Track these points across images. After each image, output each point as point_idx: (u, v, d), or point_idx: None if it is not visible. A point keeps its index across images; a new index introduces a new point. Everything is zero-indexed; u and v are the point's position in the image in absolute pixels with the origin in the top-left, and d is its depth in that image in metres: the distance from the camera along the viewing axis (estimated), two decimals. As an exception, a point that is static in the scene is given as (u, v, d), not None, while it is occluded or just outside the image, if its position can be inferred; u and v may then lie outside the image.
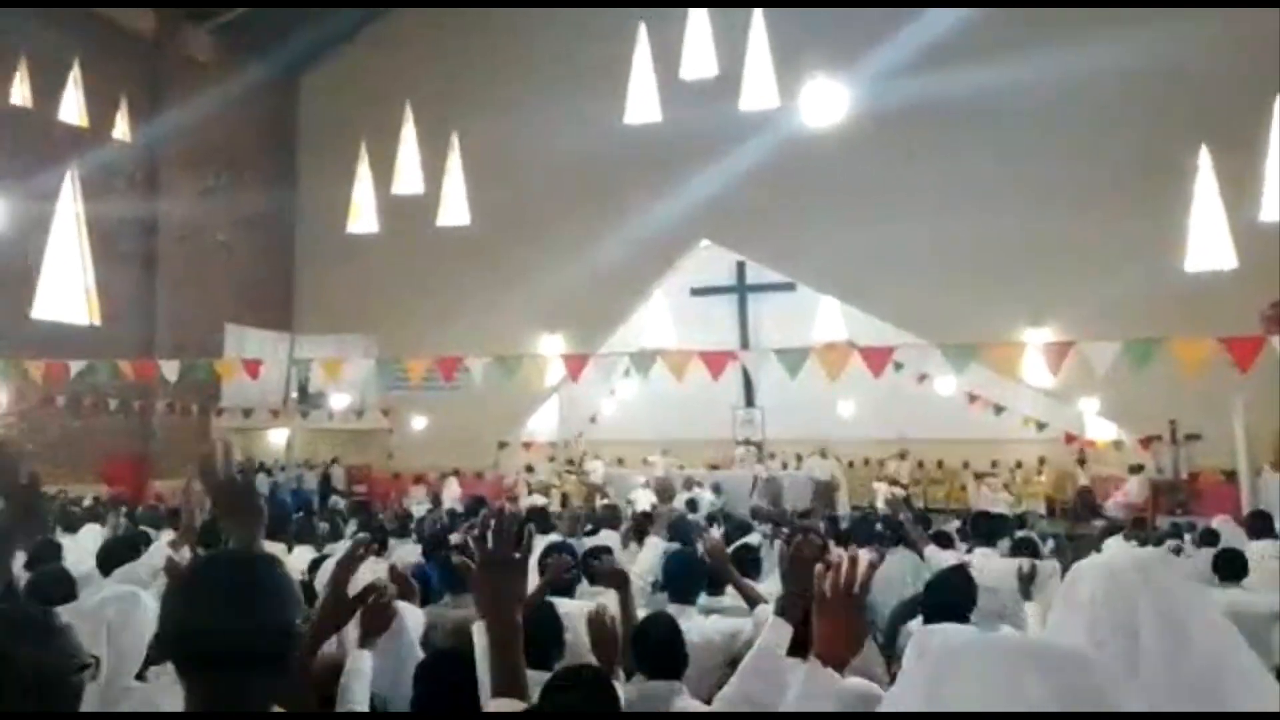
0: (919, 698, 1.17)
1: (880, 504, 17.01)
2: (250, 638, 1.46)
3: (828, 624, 1.91)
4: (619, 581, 3.73)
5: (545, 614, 3.12)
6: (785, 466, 21.38)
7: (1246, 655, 1.41)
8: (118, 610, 2.59)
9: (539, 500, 16.83)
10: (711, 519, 11.30)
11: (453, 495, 17.82)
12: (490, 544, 2.01)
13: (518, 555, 2.03)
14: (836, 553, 2.17)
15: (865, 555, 1.94)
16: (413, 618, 3.46)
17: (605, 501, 14.46)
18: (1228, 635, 1.42)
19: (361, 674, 2.60)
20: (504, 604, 1.99)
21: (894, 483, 19.65)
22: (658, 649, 3.01)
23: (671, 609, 3.65)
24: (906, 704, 1.20)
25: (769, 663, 2.30)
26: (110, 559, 4.75)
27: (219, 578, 1.54)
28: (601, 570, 3.90)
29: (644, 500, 15.16)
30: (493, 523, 2.05)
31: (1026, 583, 4.41)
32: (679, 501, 14.99)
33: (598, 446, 23.47)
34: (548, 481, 21.01)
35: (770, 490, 18.87)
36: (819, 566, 1.97)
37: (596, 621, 2.97)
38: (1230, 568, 5.97)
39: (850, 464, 21.43)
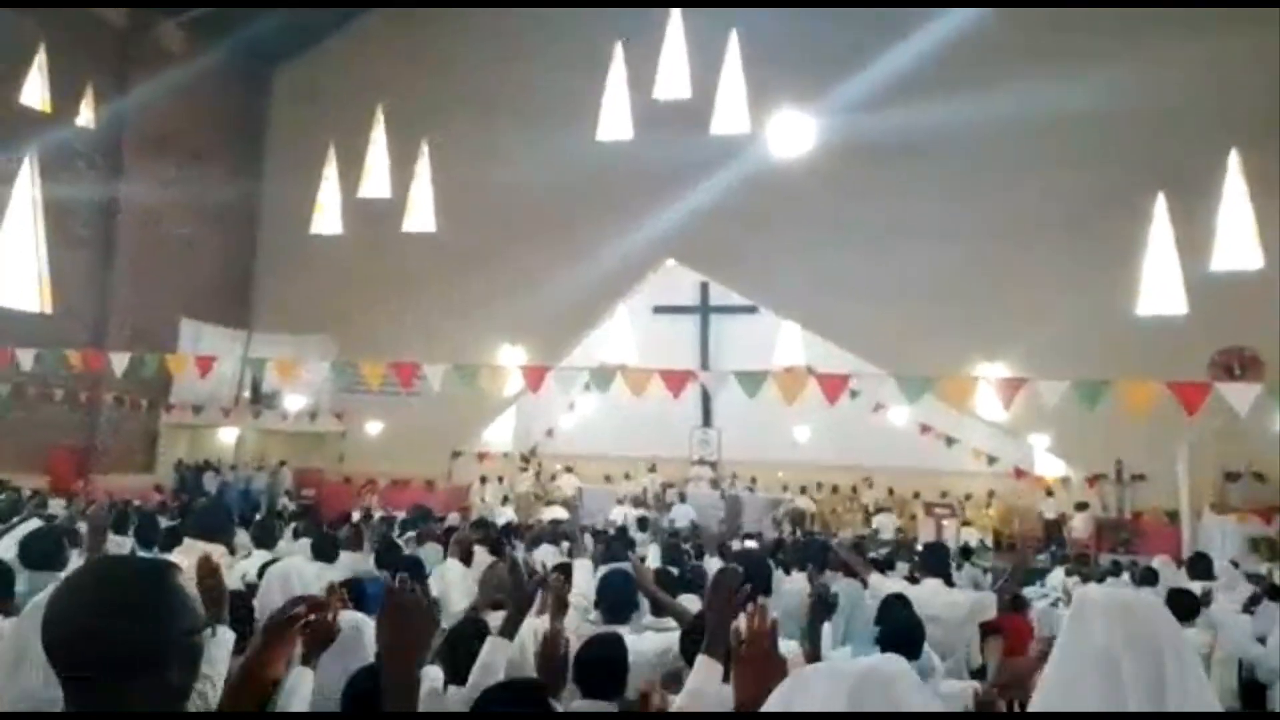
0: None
1: (888, 535, 17.18)
2: (113, 646, 1.43)
3: (747, 675, 1.96)
4: (558, 605, 3.73)
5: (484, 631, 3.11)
6: (748, 489, 21.52)
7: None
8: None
9: (506, 514, 16.82)
10: (685, 537, 11.36)
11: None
12: (397, 593, 2.04)
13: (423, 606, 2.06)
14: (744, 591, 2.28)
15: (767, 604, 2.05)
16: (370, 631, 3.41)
17: (564, 518, 14.39)
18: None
19: (298, 693, 2.55)
20: (403, 652, 2.01)
21: (880, 509, 19.79)
22: (597, 668, 3.01)
23: (603, 629, 3.66)
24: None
25: (699, 702, 2.33)
26: (31, 550, 4.56)
27: (90, 586, 1.51)
28: (534, 581, 3.89)
29: (625, 517, 15.19)
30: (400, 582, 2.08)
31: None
32: (629, 518, 15.05)
33: (554, 460, 23.41)
34: (514, 492, 21.02)
35: (731, 509, 19.02)
36: (735, 622, 2.05)
37: (551, 644, 2.95)
38: (1181, 609, 6.02)
39: (803, 489, 21.56)
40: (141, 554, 5.64)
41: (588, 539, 7.79)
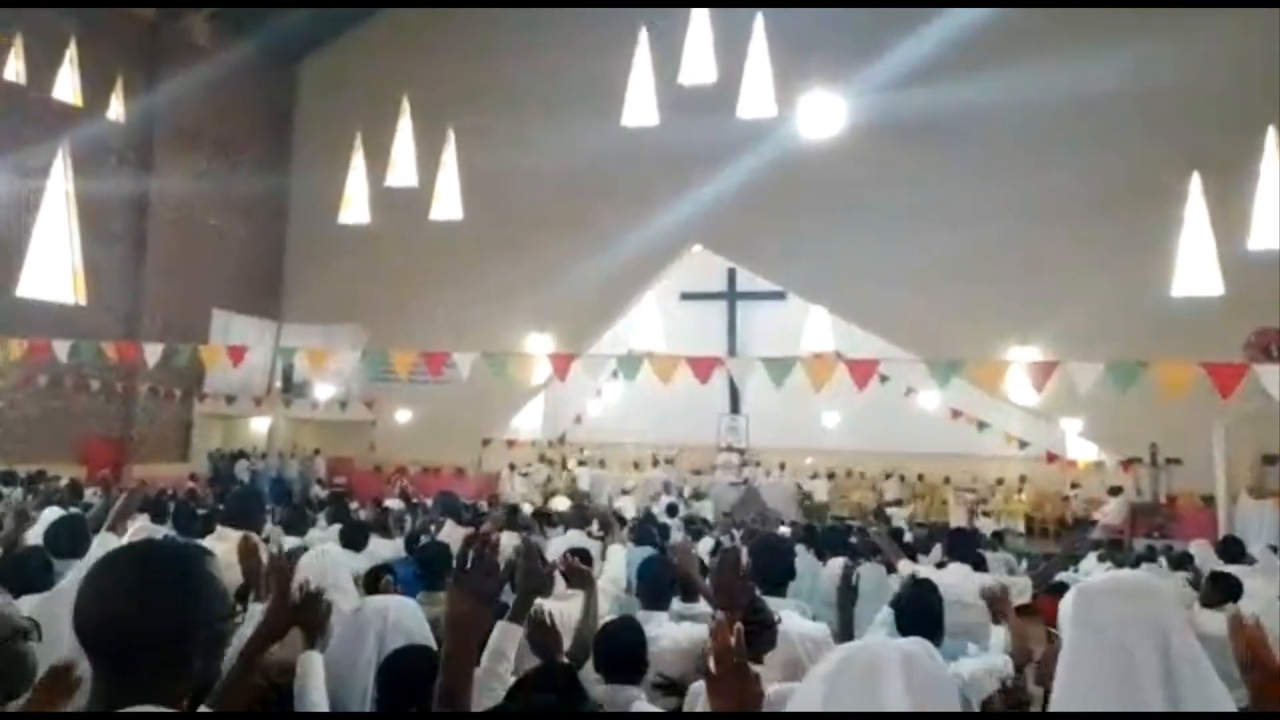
0: (817, 696, 1.43)
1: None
2: (143, 628, 1.43)
3: (720, 694, 1.89)
4: (584, 582, 3.76)
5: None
6: (769, 474, 21.45)
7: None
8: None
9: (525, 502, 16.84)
10: (690, 523, 11.33)
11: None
12: (472, 573, 2.06)
13: (492, 588, 2.09)
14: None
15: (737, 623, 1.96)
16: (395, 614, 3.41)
17: (584, 505, 14.44)
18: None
19: (314, 675, 2.57)
20: (469, 630, 2.06)
21: (897, 503, 19.67)
22: (617, 653, 3.01)
23: (641, 615, 3.65)
24: (808, 701, 1.45)
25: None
26: (59, 539, 4.61)
27: (123, 568, 1.51)
28: (569, 571, 3.92)
29: (629, 509, 15.21)
30: (475, 554, 2.10)
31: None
32: (660, 506, 15.05)
33: (582, 447, 23.46)
34: (533, 481, 21.04)
35: (749, 497, 18.97)
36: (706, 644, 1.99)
37: (536, 620, 2.97)
38: (1222, 592, 5.92)
39: (831, 475, 21.48)
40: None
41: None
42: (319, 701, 2.53)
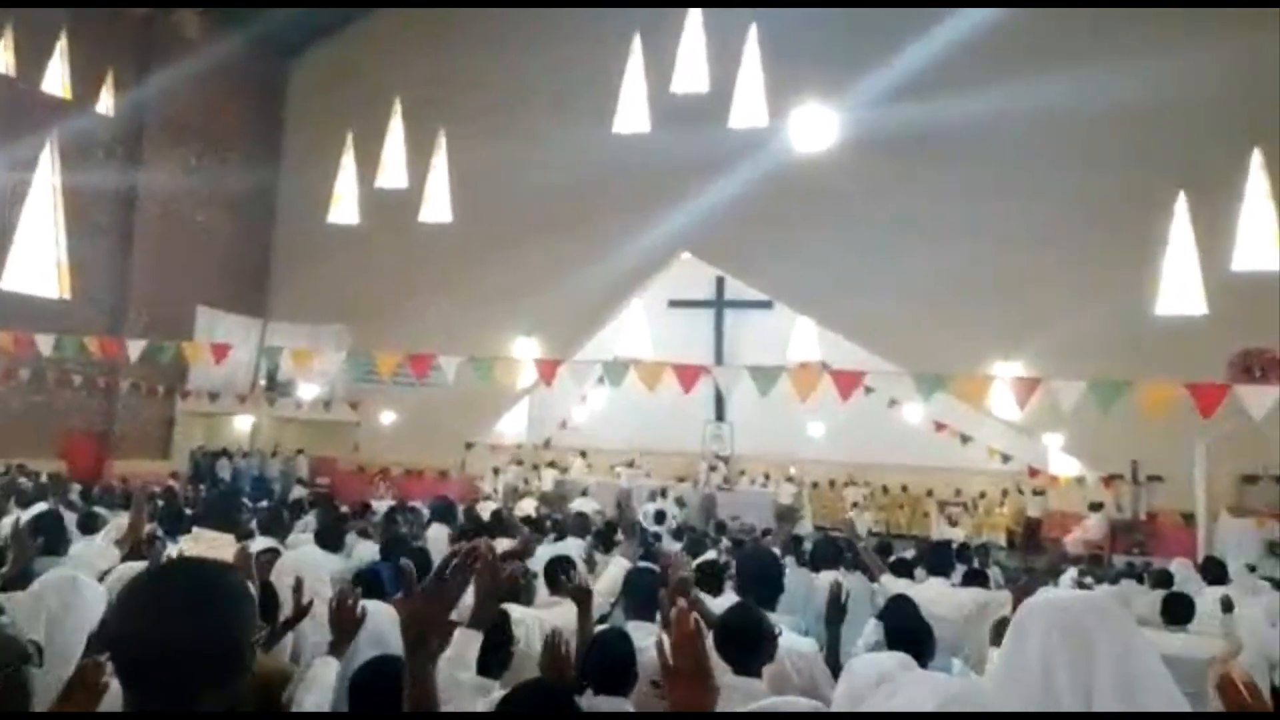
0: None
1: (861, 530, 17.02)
2: (204, 650, 1.41)
3: (679, 690, 1.77)
4: (581, 598, 3.70)
5: (499, 623, 3.08)
6: (754, 483, 21.44)
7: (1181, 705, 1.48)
8: (58, 597, 2.54)
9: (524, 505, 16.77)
10: (677, 533, 11.31)
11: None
12: (442, 581, 2.04)
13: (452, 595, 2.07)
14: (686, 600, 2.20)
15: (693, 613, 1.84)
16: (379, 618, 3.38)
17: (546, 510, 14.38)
18: (1169, 687, 1.49)
19: (319, 683, 2.54)
20: (417, 639, 2.01)
21: (855, 505, 19.76)
22: (607, 664, 3.01)
23: (630, 625, 3.64)
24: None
25: None
26: (35, 533, 4.52)
27: (177, 586, 1.48)
28: (566, 586, 3.85)
29: (587, 509, 15.19)
30: (456, 562, 2.08)
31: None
32: (645, 512, 15.02)
33: (566, 452, 23.39)
34: (514, 484, 20.93)
35: (705, 505, 18.91)
36: (663, 635, 1.88)
37: (552, 645, 2.94)
38: (1177, 611, 6.00)
39: (815, 484, 21.51)
40: (161, 540, 5.67)
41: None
42: (320, 704, 2.52)
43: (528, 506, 15.61)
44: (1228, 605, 6.33)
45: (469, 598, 2.30)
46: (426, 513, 9.18)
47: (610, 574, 4.77)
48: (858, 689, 2.25)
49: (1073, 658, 1.49)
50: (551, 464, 21.92)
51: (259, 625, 1.58)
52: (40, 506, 7.09)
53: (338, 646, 2.65)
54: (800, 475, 21.31)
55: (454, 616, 2.16)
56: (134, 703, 1.43)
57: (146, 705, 1.42)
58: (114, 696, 2.43)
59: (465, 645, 2.48)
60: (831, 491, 21.74)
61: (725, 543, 10.01)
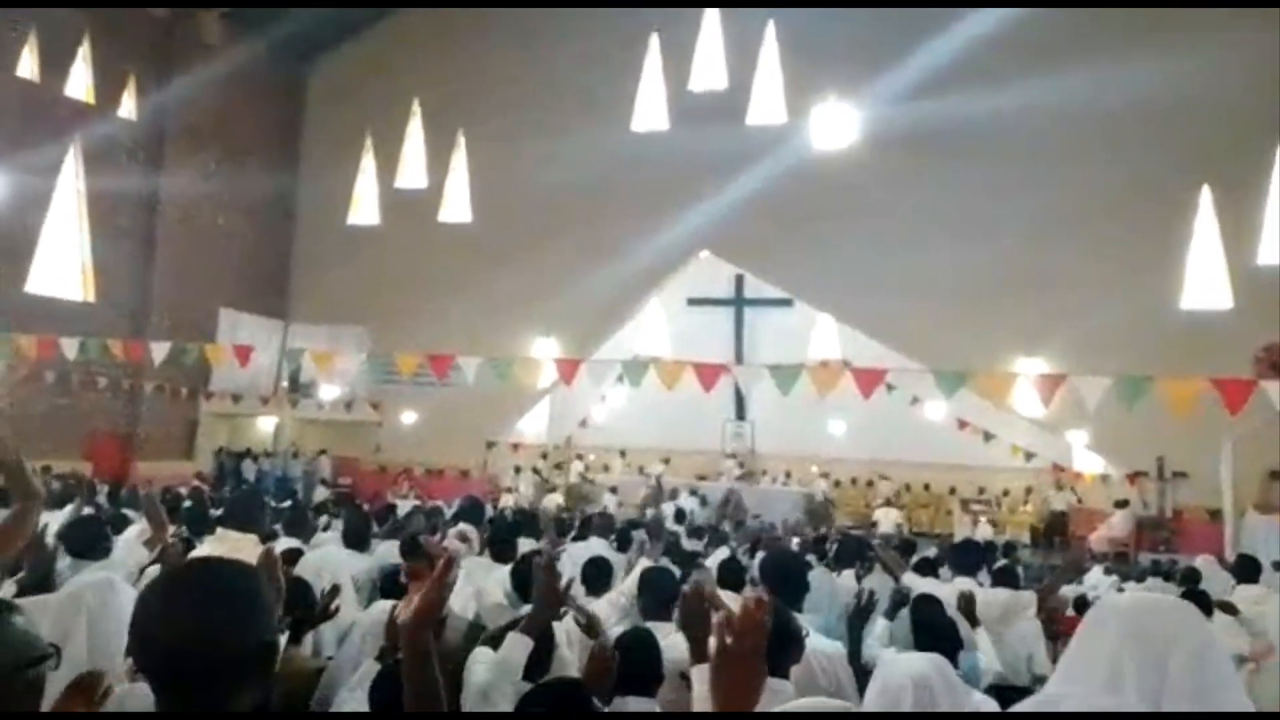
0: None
1: (887, 529, 16.98)
2: (232, 651, 1.41)
3: (728, 678, 1.69)
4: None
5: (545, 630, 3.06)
6: (775, 481, 21.41)
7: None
8: (96, 596, 2.56)
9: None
10: (698, 531, 11.30)
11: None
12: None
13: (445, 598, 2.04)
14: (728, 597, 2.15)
15: (752, 598, 1.71)
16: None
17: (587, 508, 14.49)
18: (1241, 698, 1.56)
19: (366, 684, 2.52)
20: (410, 640, 1.97)
21: (888, 503, 19.69)
22: (633, 666, 3.00)
23: (647, 625, 3.63)
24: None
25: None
26: (74, 538, 4.56)
27: (200, 586, 1.49)
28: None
29: (612, 506, 15.25)
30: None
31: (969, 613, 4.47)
32: (668, 510, 15.04)
33: (588, 451, 23.47)
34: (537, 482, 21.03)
35: (731, 502, 18.90)
36: (717, 616, 1.76)
37: (599, 654, 2.91)
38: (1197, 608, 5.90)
39: (837, 483, 21.45)
40: (187, 541, 5.71)
41: (638, 534, 7.66)
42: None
43: (551, 505, 15.74)
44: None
45: (459, 598, 2.29)
46: (449, 512, 9.20)
47: (635, 579, 4.77)
48: (891, 690, 2.24)
49: (1143, 661, 1.52)
50: (579, 456, 22.17)
51: (279, 620, 1.57)
52: (69, 509, 7.15)
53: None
54: (821, 472, 21.28)
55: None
56: (164, 704, 1.44)
57: (175, 706, 1.43)
58: (144, 698, 2.45)
59: (515, 648, 2.49)
60: (854, 489, 21.67)
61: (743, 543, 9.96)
